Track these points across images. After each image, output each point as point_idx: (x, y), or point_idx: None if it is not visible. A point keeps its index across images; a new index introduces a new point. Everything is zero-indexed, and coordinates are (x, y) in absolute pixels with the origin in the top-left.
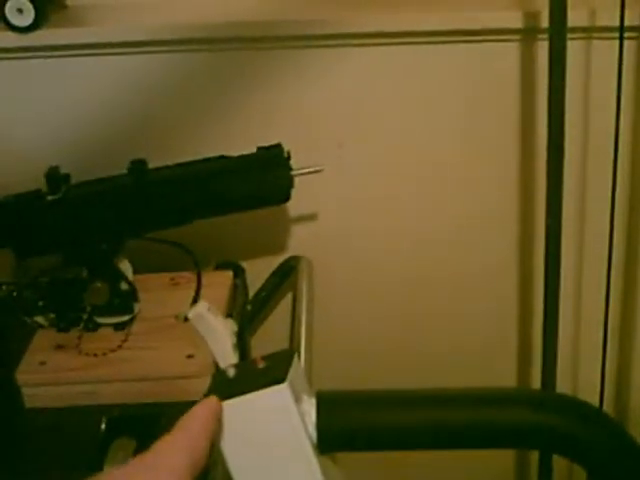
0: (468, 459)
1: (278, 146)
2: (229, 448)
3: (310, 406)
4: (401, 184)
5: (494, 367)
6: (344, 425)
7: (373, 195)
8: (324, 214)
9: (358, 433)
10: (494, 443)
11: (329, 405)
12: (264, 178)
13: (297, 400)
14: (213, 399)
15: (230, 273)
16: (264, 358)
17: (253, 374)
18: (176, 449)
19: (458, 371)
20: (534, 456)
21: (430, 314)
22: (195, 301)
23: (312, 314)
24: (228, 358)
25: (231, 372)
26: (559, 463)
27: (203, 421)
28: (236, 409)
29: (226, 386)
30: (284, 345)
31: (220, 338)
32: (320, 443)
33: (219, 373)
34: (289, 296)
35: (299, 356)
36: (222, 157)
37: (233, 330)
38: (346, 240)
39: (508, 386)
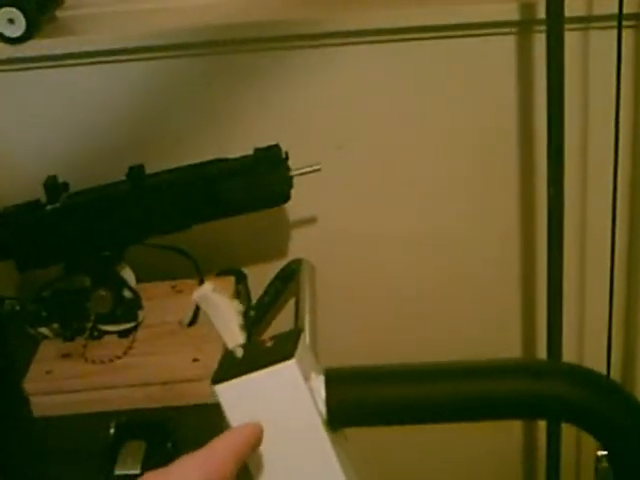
0: (474, 435)
1: (276, 147)
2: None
3: (319, 383)
4: (401, 184)
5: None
6: (353, 400)
7: (373, 196)
8: (324, 216)
9: (367, 408)
10: (504, 413)
11: (337, 381)
12: (263, 179)
13: (306, 377)
14: (250, 426)
15: (232, 279)
16: (272, 338)
17: (261, 353)
18: (192, 465)
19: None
20: (541, 429)
21: (434, 313)
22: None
23: (315, 316)
24: (236, 338)
25: (239, 352)
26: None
27: (231, 444)
28: (245, 387)
29: (235, 365)
30: None
31: (226, 318)
32: (330, 419)
33: (227, 354)
34: (292, 300)
35: None
36: (220, 160)
37: (239, 310)
38: (347, 242)
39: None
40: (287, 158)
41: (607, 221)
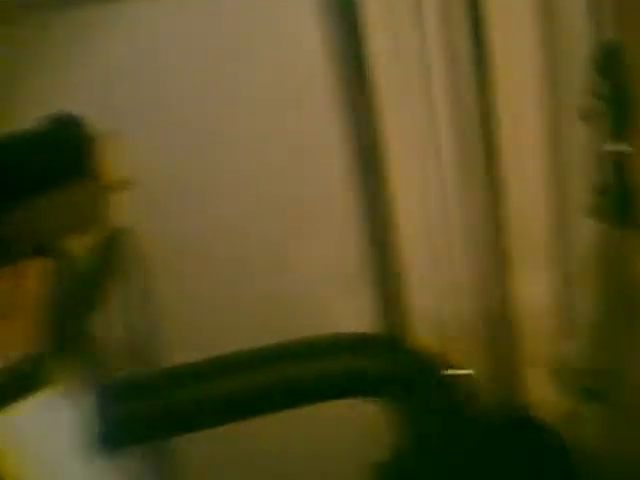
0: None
1: (70, 116)
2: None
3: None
4: (216, 139)
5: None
6: (130, 417)
7: (188, 154)
8: (141, 181)
9: (142, 422)
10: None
11: (110, 399)
12: (60, 153)
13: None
14: None
15: (47, 259)
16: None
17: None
18: None
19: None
20: None
21: (276, 263)
22: None
23: (144, 282)
24: None
25: None
26: None
27: None
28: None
29: None
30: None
31: None
32: (103, 442)
33: None
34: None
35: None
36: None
37: None
38: (167, 203)
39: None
40: (83, 126)
41: None
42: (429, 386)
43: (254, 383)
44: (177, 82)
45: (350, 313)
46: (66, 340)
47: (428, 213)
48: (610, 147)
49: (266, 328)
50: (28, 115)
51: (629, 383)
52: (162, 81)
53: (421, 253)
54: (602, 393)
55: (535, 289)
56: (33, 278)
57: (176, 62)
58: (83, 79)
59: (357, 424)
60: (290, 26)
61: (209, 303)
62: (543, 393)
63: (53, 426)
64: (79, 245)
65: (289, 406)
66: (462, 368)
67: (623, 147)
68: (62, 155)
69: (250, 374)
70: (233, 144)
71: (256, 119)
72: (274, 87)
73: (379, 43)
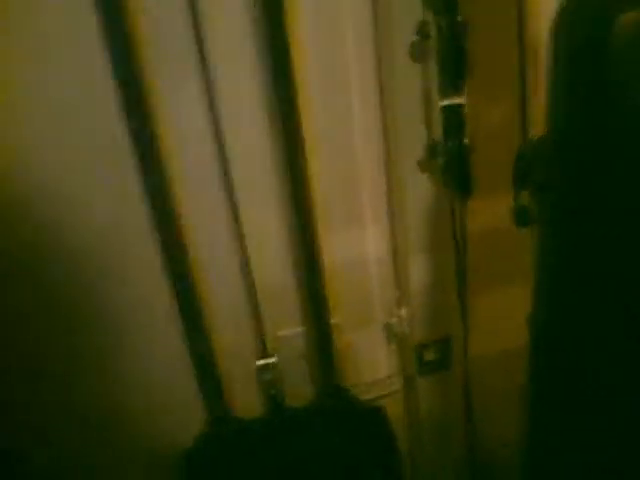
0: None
1: None
2: None
3: None
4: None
5: None
6: None
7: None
8: None
9: None
10: None
11: None
12: None
13: None
14: None
15: None
16: None
17: None
18: None
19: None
20: None
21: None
22: None
23: None
24: None
25: None
26: None
27: None
28: None
29: None
30: None
31: None
32: None
33: None
34: None
35: None
36: None
37: None
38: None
39: None
40: None
41: None
42: None
43: None
44: None
45: None
46: None
47: None
48: (444, 101)
49: None
50: None
51: (467, 352)
52: None
53: None
54: (440, 363)
55: (369, 248)
56: None
57: None
58: None
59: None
60: None
61: None
62: (370, 371)
63: None
64: None
65: None
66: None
67: (458, 100)
68: None
69: None
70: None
71: None
72: None
73: None
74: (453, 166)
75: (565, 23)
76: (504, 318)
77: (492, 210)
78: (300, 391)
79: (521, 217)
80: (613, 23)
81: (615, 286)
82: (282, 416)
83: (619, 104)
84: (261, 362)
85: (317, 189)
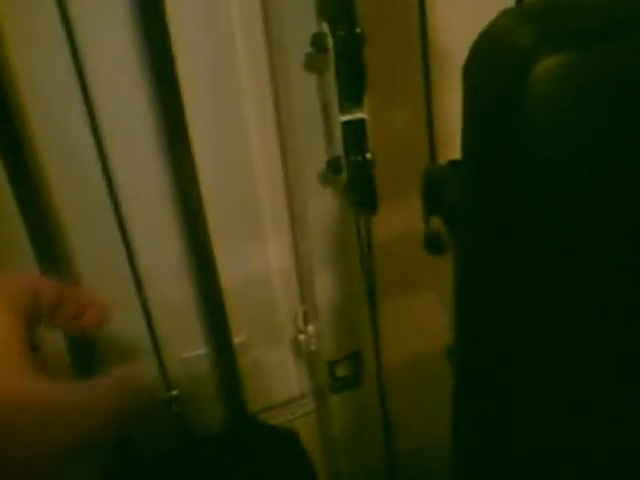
0: None
1: None
2: None
3: None
4: None
5: None
6: None
7: None
8: None
9: None
10: None
11: None
12: None
13: None
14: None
15: None
16: None
17: None
18: None
19: None
20: None
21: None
22: None
23: None
24: None
25: None
26: None
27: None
28: None
29: None
30: None
31: None
32: None
33: None
34: None
35: None
36: None
37: None
38: None
39: None
40: None
41: None
42: None
43: None
44: None
45: None
46: None
47: None
48: (345, 116)
49: None
50: None
51: (381, 364)
52: None
53: None
54: (353, 378)
55: (272, 263)
56: None
57: None
58: None
59: None
60: None
61: None
62: (281, 391)
63: None
64: None
65: None
66: None
67: (359, 115)
68: None
69: None
70: None
71: None
72: None
73: None
74: (356, 182)
75: (474, 70)
76: (416, 325)
77: (399, 218)
78: (210, 417)
79: (433, 245)
80: (529, 74)
81: (533, 312)
82: (191, 448)
83: (532, 165)
84: (163, 395)
85: (212, 205)
